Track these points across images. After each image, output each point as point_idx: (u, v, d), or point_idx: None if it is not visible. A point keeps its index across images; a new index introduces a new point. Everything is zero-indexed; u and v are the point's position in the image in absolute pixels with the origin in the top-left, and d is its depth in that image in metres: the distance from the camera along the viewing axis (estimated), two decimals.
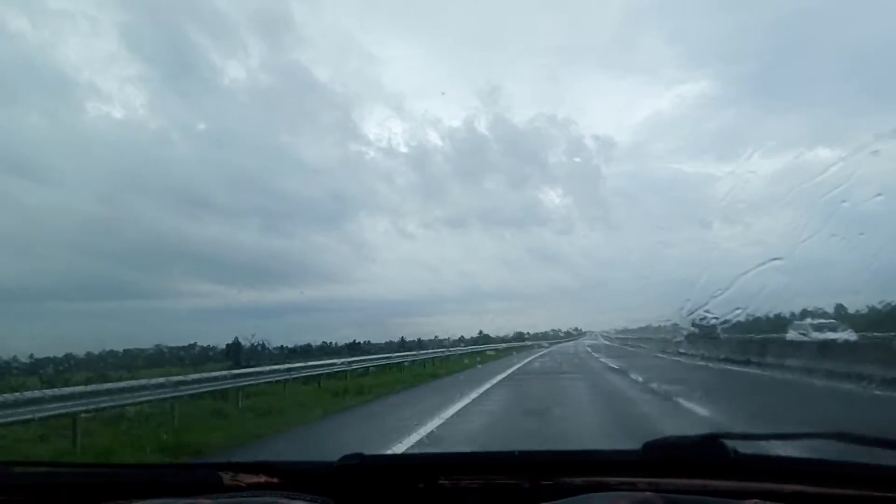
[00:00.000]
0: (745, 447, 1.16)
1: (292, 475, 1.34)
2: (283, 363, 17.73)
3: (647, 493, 1.06)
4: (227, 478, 1.29)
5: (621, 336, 74.35)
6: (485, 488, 1.25)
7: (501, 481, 1.24)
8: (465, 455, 1.37)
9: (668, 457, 1.19)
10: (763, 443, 1.23)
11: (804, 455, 1.16)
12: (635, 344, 52.04)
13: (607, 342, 72.24)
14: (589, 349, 47.34)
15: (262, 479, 1.30)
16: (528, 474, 1.24)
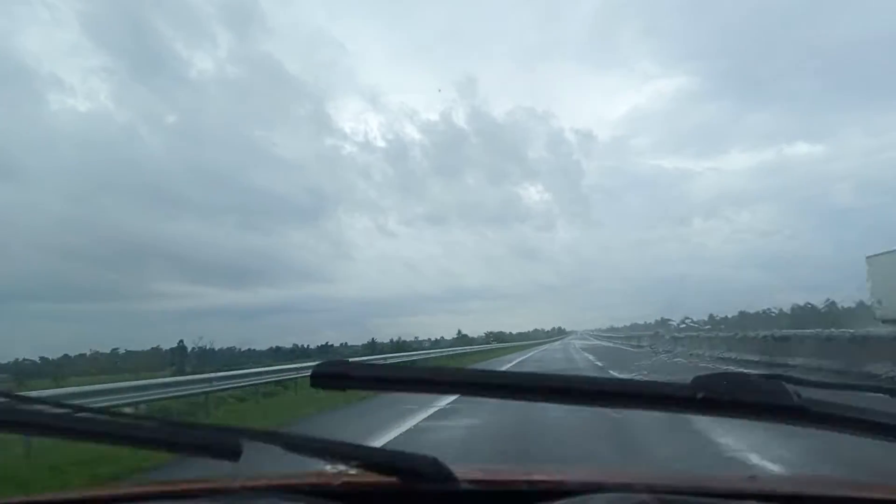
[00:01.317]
0: (806, 394, 1.04)
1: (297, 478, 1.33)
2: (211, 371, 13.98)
3: (644, 495, 1.07)
4: (225, 480, 1.29)
5: (620, 335, 65.73)
6: (482, 490, 1.25)
7: (500, 480, 1.25)
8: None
9: (725, 394, 1.06)
10: (822, 391, 1.10)
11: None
12: (657, 349, 32.80)
13: (604, 342, 61.03)
14: (594, 360, 29.82)
15: (263, 481, 1.30)
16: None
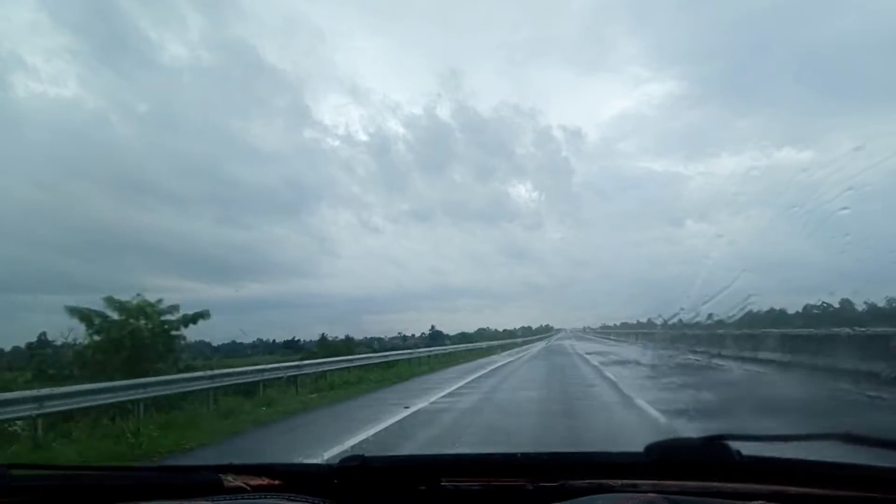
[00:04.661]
0: (749, 448, 1.16)
1: (293, 477, 1.34)
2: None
3: (651, 495, 1.07)
4: (228, 480, 1.28)
5: (626, 332, 56.47)
6: (487, 490, 1.25)
7: (504, 483, 1.25)
8: (468, 456, 1.38)
9: (671, 458, 1.20)
10: (768, 444, 1.23)
11: (809, 457, 1.17)
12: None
13: (619, 346, 41.89)
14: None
15: (264, 481, 1.30)
16: (530, 476, 1.24)
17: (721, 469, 1.15)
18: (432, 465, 1.36)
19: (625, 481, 1.17)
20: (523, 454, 1.32)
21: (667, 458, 1.20)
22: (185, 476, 1.40)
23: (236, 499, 1.23)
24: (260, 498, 1.24)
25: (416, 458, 1.42)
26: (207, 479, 1.30)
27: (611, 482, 1.17)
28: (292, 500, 1.21)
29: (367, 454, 1.34)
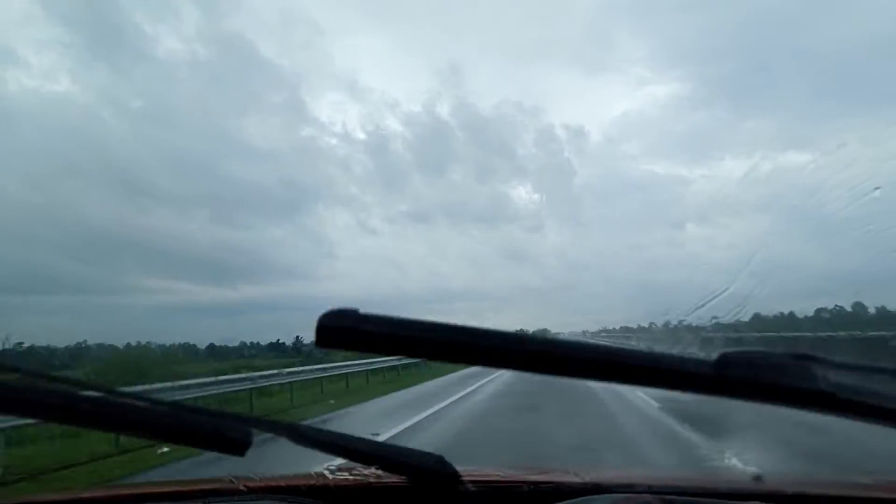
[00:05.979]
0: (836, 377, 0.98)
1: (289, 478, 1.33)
2: None
3: (646, 496, 1.07)
4: (225, 481, 1.28)
5: (628, 335, 50.95)
6: (483, 489, 1.25)
7: (501, 483, 1.25)
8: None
9: (744, 376, 0.99)
10: (858, 375, 1.05)
11: None
12: None
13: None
14: None
15: (262, 482, 1.30)
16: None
17: (804, 395, 0.95)
18: None
19: (620, 482, 1.17)
20: None
21: (740, 375, 0.98)
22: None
23: (232, 500, 1.23)
24: (256, 500, 1.24)
25: None
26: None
27: (606, 483, 1.17)
28: (288, 503, 1.21)
29: None
